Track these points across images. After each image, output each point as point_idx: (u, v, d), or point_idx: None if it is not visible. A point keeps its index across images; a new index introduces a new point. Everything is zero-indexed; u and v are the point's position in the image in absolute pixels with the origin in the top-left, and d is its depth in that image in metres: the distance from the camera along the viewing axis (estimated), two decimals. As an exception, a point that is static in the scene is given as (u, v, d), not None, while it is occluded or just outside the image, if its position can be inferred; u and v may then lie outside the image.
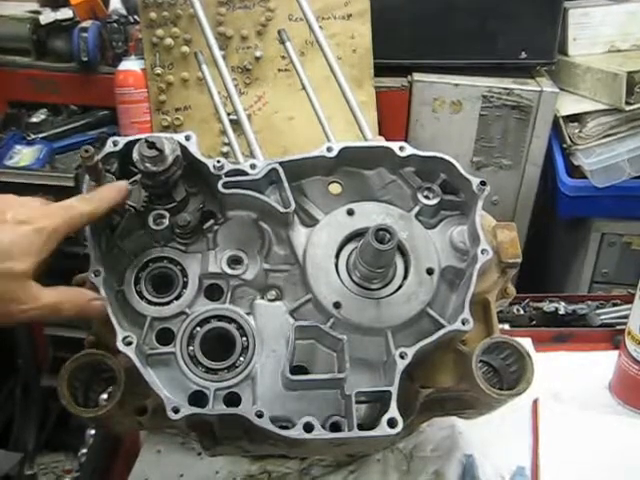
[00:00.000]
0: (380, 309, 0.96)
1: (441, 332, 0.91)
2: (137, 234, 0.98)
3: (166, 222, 0.96)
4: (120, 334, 0.87)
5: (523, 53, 2.23)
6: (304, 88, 1.29)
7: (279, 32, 1.37)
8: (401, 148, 1.02)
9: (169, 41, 2.12)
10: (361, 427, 0.86)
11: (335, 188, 1.04)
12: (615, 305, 1.64)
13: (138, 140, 0.93)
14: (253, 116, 2.15)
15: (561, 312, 1.63)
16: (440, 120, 2.27)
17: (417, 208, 1.02)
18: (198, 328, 0.94)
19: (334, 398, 0.91)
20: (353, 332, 0.94)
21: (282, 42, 1.36)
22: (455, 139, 2.28)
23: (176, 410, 0.84)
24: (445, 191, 1.03)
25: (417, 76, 2.24)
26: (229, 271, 0.98)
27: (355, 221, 1.01)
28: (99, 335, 0.94)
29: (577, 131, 2.21)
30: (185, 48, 2.13)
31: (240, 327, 0.95)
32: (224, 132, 1.30)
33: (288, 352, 0.91)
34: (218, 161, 0.97)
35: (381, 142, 1.07)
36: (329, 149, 1.00)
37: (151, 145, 0.91)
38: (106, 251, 0.96)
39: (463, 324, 0.91)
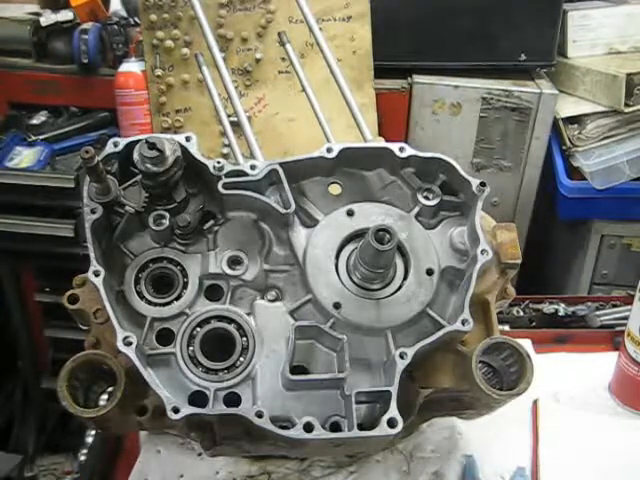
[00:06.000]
0: (380, 309, 0.96)
1: (441, 332, 0.92)
2: (137, 235, 0.99)
3: (166, 222, 0.96)
4: (120, 334, 0.87)
5: (523, 55, 2.24)
6: (304, 90, 1.29)
7: (279, 34, 1.38)
8: (401, 149, 1.02)
9: (169, 43, 2.13)
10: (361, 427, 0.87)
11: (335, 189, 1.05)
12: (615, 306, 1.65)
13: (139, 141, 0.93)
14: (253, 118, 2.16)
15: (561, 313, 1.64)
16: (440, 122, 2.27)
17: (417, 209, 1.02)
18: (198, 328, 0.94)
19: (334, 398, 0.91)
20: (353, 332, 0.94)
21: (282, 44, 1.36)
22: (455, 141, 2.29)
23: (176, 410, 0.84)
24: (445, 192, 1.03)
25: (417, 78, 2.24)
26: (229, 272, 0.98)
27: (355, 222, 1.01)
28: (99, 336, 0.94)
29: (576, 133, 2.21)
30: (185, 50, 2.14)
31: (240, 327, 0.95)
32: (224, 134, 1.30)
33: (288, 352, 0.92)
34: (218, 162, 0.98)
35: (381, 143, 1.07)
36: (329, 150, 1.00)
37: (152, 146, 0.91)
38: (106, 251, 0.96)
39: (463, 324, 0.91)
